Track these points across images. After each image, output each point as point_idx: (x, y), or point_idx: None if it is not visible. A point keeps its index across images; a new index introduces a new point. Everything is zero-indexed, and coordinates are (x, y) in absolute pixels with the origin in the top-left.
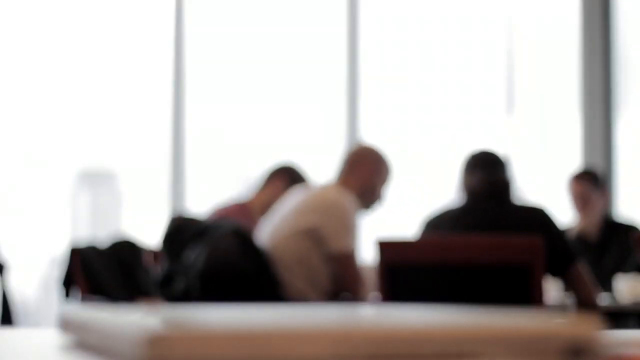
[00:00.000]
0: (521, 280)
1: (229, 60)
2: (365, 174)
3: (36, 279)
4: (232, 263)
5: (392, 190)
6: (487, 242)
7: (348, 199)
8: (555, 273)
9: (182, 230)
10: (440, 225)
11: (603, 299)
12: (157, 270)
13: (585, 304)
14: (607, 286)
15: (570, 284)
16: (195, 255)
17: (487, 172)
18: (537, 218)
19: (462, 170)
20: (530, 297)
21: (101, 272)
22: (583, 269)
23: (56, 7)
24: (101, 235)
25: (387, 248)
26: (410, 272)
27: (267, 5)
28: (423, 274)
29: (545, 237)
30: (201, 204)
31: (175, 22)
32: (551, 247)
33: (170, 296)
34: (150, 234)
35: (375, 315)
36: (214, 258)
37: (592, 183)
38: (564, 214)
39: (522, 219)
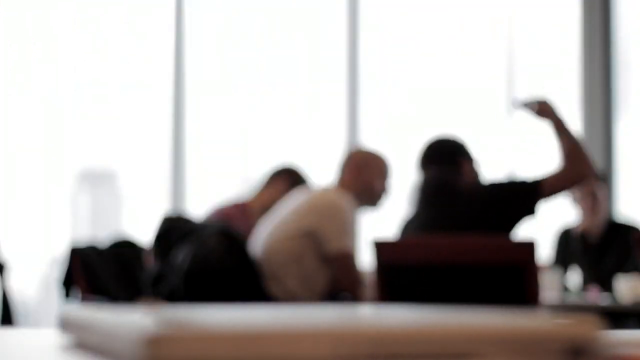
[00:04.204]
0: (518, 280)
1: (229, 61)
2: (364, 176)
3: (36, 279)
4: (217, 263)
5: (392, 192)
6: (483, 242)
7: (347, 201)
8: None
9: (172, 231)
10: (409, 227)
11: (603, 299)
12: (149, 270)
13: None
14: (607, 286)
15: (549, 193)
16: (182, 256)
17: (430, 169)
18: (481, 192)
19: (415, 168)
20: (527, 296)
21: (101, 272)
22: (551, 178)
23: (57, 7)
24: (101, 235)
25: (384, 248)
26: (407, 272)
27: (267, 5)
28: (420, 274)
29: (502, 193)
30: (201, 204)
31: (176, 22)
32: (512, 194)
33: (160, 296)
34: (150, 234)
35: (375, 315)
36: (199, 258)
37: (599, 182)
38: (564, 214)
39: (472, 204)
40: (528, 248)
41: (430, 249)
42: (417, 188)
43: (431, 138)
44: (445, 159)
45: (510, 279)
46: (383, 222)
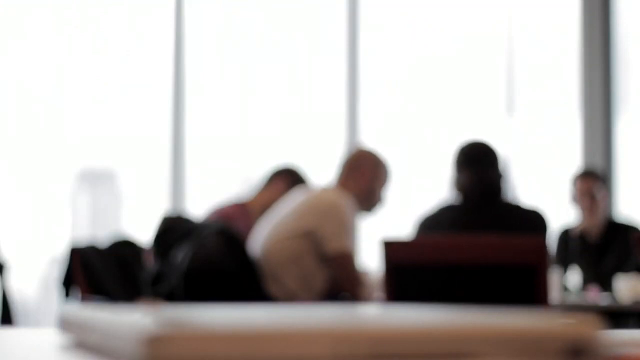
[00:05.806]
0: (527, 281)
1: (229, 61)
2: (364, 177)
3: (36, 279)
4: (217, 263)
5: (393, 192)
6: (492, 242)
7: (346, 201)
8: None
9: (172, 231)
10: (436, 226)
11: (603, 299)
12: (149, 270)
13: None
14: (607, 286)
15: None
16: (182, 256)
17: (477, 170)
18: (535, 222)
19: (453, 168)
20: (536, 297)
21: (101, 272)
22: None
23: (57, 8)
24: (101, 235)
25: (392, 248)
26: (415, 272)
27: (267, 5)
28: (429, 275)
29: (541, 226)
30: (201, 204)
31: (176, 22)
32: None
33: (160, 296)
34: (150, 234)
35: (375, 315)
36: (199, 258)
37: (599, 182)
38: (564, 214)
39: (521, 222)
40: (539, 248)
41: (440, 249)
42: (458, 187)
43: (468, 141)
44: (483, 162)
45: (520, 279)
46: (382, 222)
